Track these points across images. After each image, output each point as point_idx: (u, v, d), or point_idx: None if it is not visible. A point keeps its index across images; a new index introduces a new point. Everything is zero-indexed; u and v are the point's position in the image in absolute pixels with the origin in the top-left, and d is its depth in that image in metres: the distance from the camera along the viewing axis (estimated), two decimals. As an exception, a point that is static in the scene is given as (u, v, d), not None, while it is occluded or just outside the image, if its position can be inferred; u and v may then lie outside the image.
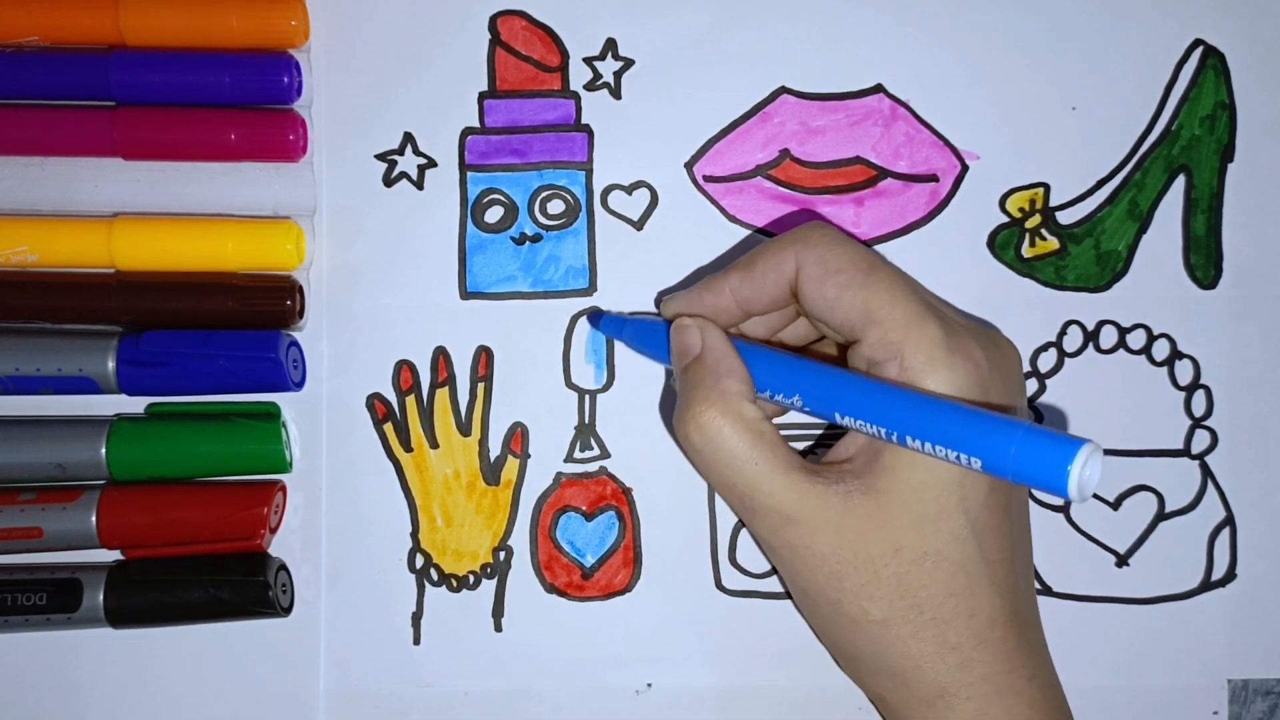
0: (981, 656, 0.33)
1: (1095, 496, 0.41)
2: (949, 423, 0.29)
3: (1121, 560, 0.41)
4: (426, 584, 0.40)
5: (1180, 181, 0.41)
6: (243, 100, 0.39)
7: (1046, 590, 0.40)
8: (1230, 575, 0.41)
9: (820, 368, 0.33)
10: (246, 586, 0.38)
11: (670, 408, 0.40)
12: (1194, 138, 0.41)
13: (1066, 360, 0.41)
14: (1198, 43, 0.41)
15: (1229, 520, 0.41)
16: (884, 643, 0.33)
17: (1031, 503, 0.40)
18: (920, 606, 0.32)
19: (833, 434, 0.40)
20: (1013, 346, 0.36)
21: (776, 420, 0.36)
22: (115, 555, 0.39)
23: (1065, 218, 0.41)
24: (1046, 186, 0.41)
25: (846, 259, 0.33)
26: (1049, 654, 0.35)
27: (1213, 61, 0.41)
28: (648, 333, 0.38)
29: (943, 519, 0.32)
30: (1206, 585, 0.41)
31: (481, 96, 0.41)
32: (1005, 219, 0.41)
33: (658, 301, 0.40)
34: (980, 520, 0.32)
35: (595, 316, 0.40)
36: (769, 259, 0.35)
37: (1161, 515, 0.41)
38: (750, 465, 0.32)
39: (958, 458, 0.29)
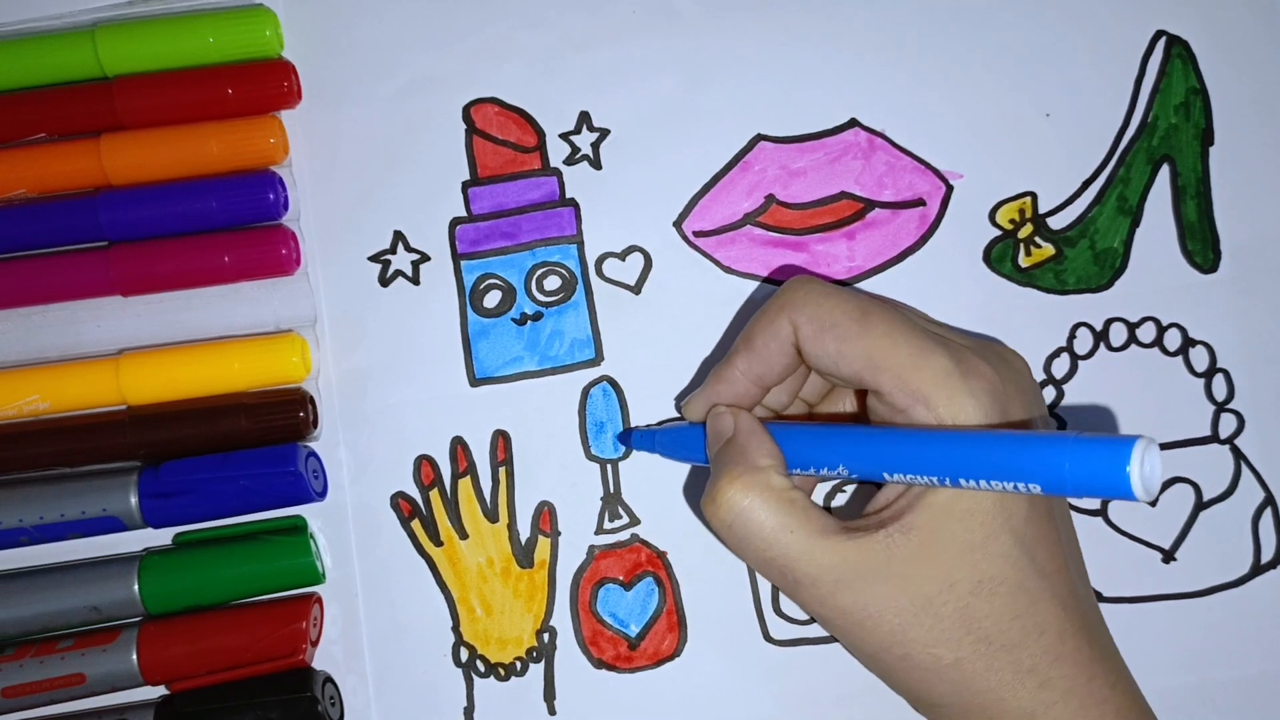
0: (1060, 673, 0.32)
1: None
2: (1000, 456, 0.28)
3: (1168, 555, 0.40)
4: (474, 676, 0.40)
5: (1165, 171, 0.41)
6: (232, 222, 0.40)
7: (1098, 597, 0.40)
8: (1280, 556, 0.40)
9: (857, 432, 0.32)
10: (295, 704, 0.38)
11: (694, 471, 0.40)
12: (1171, 126, 0.41)
13: (1080, 363, 0.41)
14: (1160, 33, 0.41)
15: (1269, 500, 0.40)
16: (961, 684, 0.32)
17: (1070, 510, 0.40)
18: (988, 638, 0.32)
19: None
20: (1019, 357, 0.35)
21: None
22: (160, 690, 0.39)
23: (1057, 223, 0.41)
24: (1034, 195, 0.41)
25: (839, 310, 0.33)
26: (1122, 658, 0.35)
27: (1178, 50, 0.41)
28: (679, 438, 0.38)
29: (991, 542, 0.31)
30: (1258, 569, 0.40)
31: (465, 185, 0.41)
32: (998, 232, 0.41)
33: (678, 407, 0.40)
34: (1027, 535, 0.32)
35: (626, 435, 0.40)
36: (765, 330, 0.34)
37: (1200, 505, 0.40)
38: (785, 534, 0.32)
39: (1015, 487, 0.28)
